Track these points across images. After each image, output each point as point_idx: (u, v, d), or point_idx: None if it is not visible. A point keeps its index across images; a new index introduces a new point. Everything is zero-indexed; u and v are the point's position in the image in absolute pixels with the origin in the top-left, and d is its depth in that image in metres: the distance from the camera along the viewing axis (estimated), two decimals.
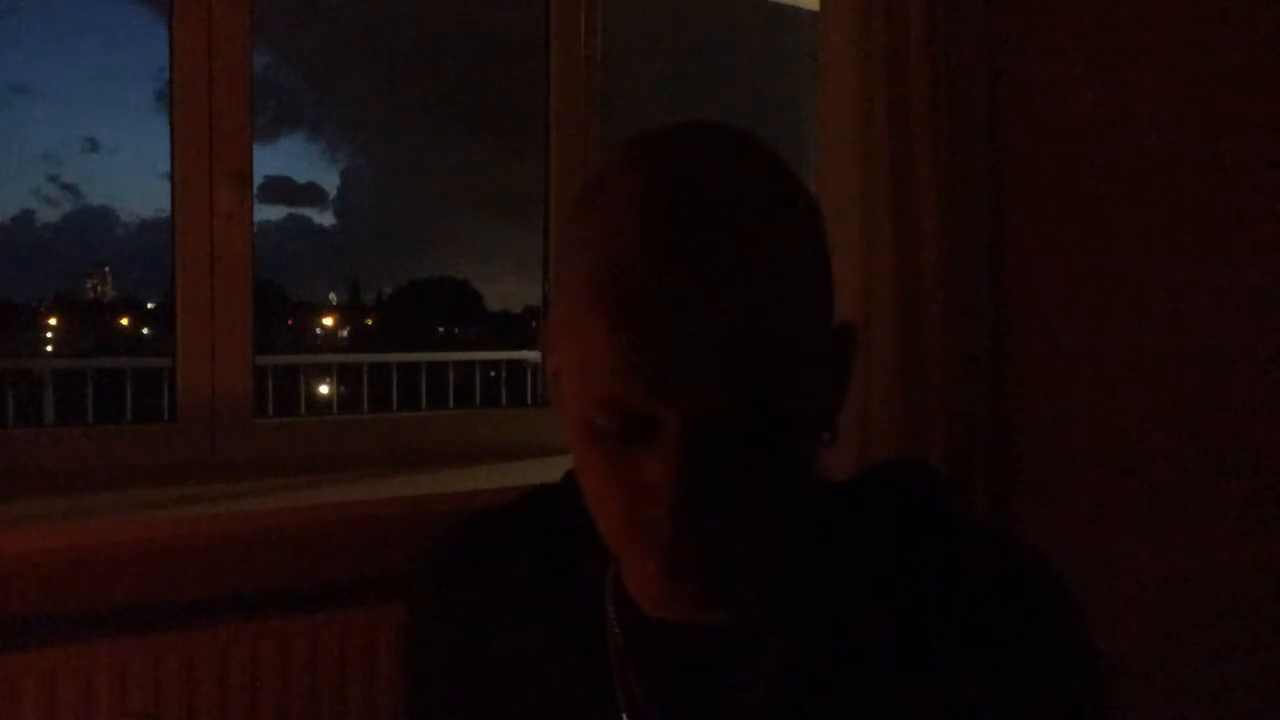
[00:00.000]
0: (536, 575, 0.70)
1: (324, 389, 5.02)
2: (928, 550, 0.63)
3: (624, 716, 0.64)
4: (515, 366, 4.88)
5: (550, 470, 0.73)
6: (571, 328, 0.55)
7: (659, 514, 0.54)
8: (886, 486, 0.69)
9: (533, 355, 3.73)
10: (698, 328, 0.51)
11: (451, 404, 4.86)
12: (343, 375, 5.13)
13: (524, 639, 0.69)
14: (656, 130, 0.59)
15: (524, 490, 0.76)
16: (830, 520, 0.65)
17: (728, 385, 0.52)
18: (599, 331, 0.53)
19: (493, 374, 5.09)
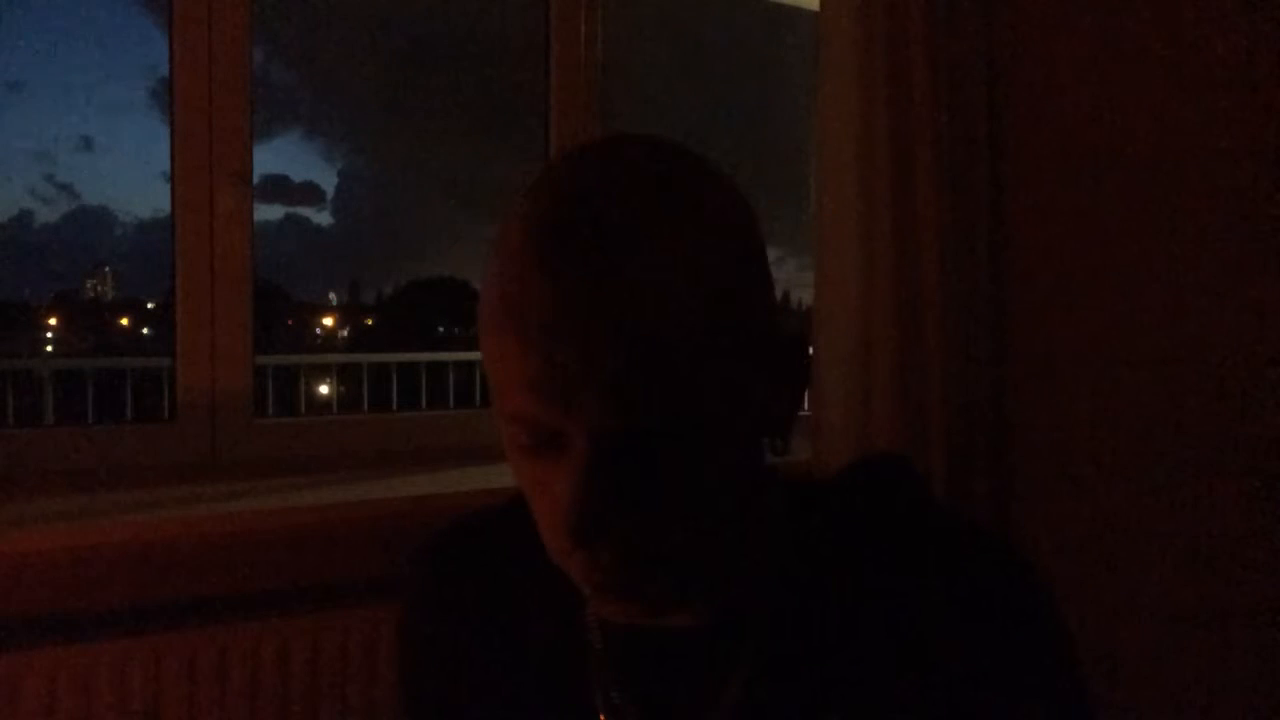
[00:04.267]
0: (520, 577, 0.70)
1: (324, 389, 5.02)
2: (901, 548, 0.64)
3: (601, 718, 0.64)
4: None
5: None
6: (484, 351, 0.56)
7: (564, 530, 0.54)
8: (861, 483, 0.70)
9: None
10: (588, 342, 0.51)
11: (451, 404, 4.86)
12: (342, 375, 5.13)
13: (507, 640, 0.69)
14: (564, 152, 0.59)
15: (514, 493, 0.76)
16: (803, 519, 0.65)
17: (624, 396, 0.52)
18: (500, 351, 0.54)
19: None
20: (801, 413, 0.65)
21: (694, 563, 0.58)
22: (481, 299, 0.56)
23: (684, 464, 0.55)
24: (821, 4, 1.85)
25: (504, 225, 0.56)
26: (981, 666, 0.60)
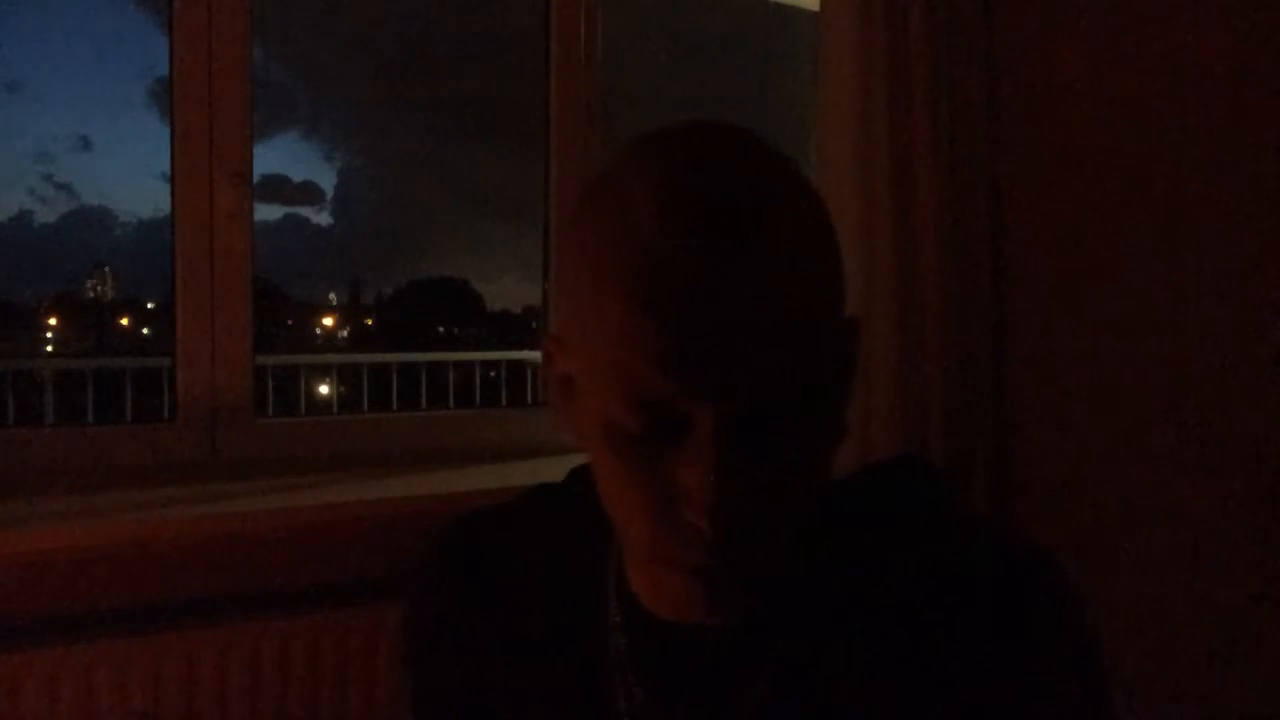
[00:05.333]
0: (539, 573, 0.69)
1: (324, 389, 5.02)
2: (928, 549, 0.63)
3: (625, 718, 0.64)
4: (515, 366, 4.87)
5: (550, 470, 0.73)
6: (592, 330, 0.54)
7: (694, 516, 0.52)
8: (887, 484, 0.69)
9: (533, 355, 3.73)
10: (732, 318, 0.50)
11: (451, 404, 4.86)
12: (343, 375, 5.13)
13: (526, 638, 0.68)
14: (663, 130, 0.58)
15: (527, 488, 0.75)
16: (832, 518, 0.65)
17: (762, 376, 0.51)
18: (631, 327, 0.51)
19: (493, 374, 5.08)
20: None
21: (783, 548, 0.58)
22: (593, 267, 0.54)
23: (798, 451, 0.54)
24: (821, 4, 1.85)
25: (614, 206, 0.54)
26: (1009, 674, 0.59)
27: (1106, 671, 0.63)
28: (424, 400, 4.74)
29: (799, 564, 0.63)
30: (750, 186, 0.53)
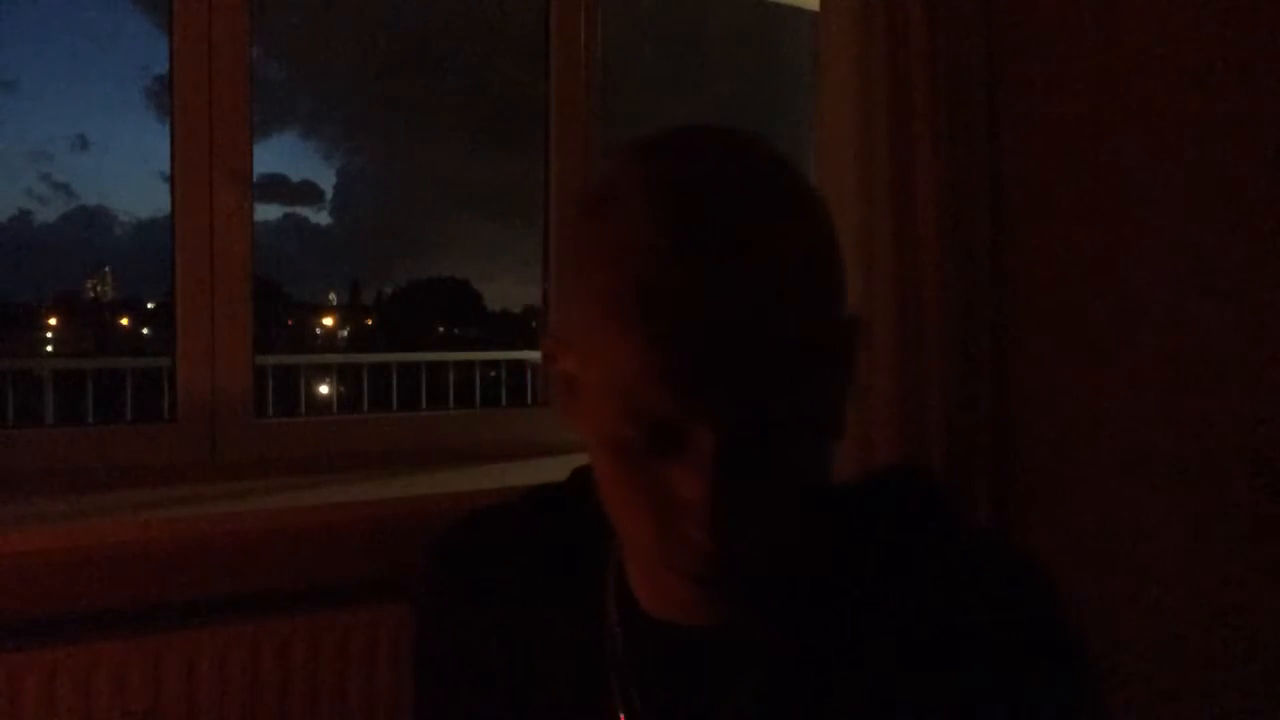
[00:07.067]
0: (537, 573, 0.70)
1: (324, 389, 5.02)
2: (923, 556, 0.63)
3: (621, 716, 0.64)
4: (515, 366, 4.87)
5: (549, 470, 0.73)
6: (592, 338, 0.54)
7: (694, 530, 0.53)
8: (886, 491, 0.69)
9: (533, 355, 3.73)
10: (729, 335, 0.50)
11: (451, 404, 4.86)
12: (343, 375, 5.13)
13: (524, 637, 0.68)
14: (659, 136, 0.58)
15: (527, 489, 0.75)
16: (830, 524, 0.65)
17: (759, 392, 0.51)
18: (626, 343, 0.51)
19: (493, 374, 5.08)
20: None
21: (785, 554, 0.59)
22: (591, 280, 0.53)
23: (797, 461, 0.55)
24: (821, 4, 1.85)
25: (609, 214, 0.54)
26: (996, 683, 0.60)
27: (1098, 684, 0.63)
28: (424, 400, 4.74)
29: (798, 567, 0.63)
30: (745, 196, 0.53)
